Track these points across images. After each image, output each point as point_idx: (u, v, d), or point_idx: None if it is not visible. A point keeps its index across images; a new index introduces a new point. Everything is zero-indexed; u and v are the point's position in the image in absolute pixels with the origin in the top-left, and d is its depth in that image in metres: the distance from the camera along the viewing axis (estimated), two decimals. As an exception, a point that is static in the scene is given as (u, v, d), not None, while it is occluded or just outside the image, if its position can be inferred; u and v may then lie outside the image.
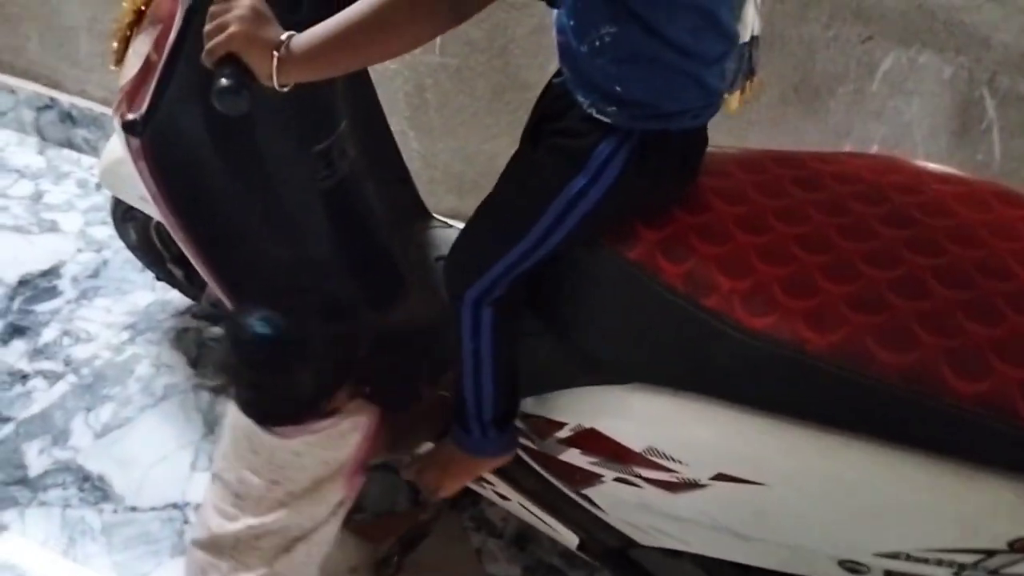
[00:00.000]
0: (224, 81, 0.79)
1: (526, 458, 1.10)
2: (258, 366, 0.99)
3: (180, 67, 0.95)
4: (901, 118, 1.57)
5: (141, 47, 1.04)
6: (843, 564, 0.85)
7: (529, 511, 1.16)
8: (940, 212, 0.85)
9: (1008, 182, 1.03)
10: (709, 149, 0.92)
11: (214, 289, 1.25)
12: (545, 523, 1.15)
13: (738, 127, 1.60)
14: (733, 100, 1.54)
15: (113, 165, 1.34)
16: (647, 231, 0.87)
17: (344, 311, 1.05)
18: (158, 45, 0.98)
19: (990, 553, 0.76)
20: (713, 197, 0.89)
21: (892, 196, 0.88)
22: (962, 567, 0.78)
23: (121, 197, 1.44)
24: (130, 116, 0.96)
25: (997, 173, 1.57)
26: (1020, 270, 0.79)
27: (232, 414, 1.04)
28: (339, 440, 1.01)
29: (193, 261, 1.21)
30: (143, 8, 1.06)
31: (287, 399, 0.99)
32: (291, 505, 0.99)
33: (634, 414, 0.90)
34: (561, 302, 0.96)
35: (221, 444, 1.06)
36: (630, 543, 1.06)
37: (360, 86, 1.31)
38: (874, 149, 1.60)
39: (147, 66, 1.01)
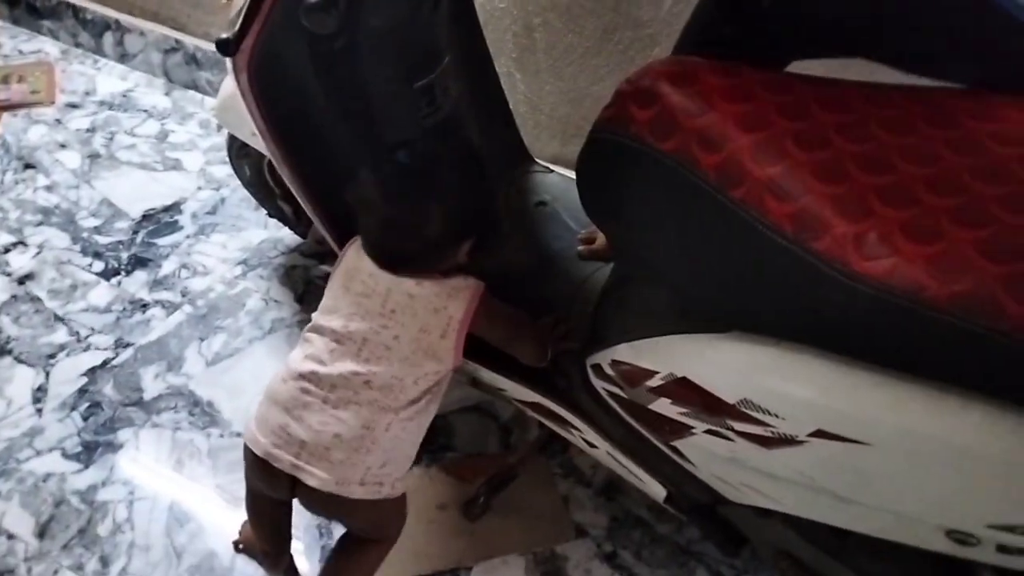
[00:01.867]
0: None
1: (615, 406, 1.07)
2: (395, 197, 1.03)
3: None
4: None
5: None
6: (951, 535, 0.78)
7: (617, 461, 1.13)
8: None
9: None
10: (829, 79, 0.84)
11: (317, 225, 1.27)
12: (633, 474, 1.12)
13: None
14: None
15: (227, 101, 1.38)
16: (755, 167, 0.81)
17: (473, 163, 1.11)
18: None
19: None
20: (832, 133, 0.81)
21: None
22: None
23: (235, 133, 1.48)
24: (223, 35, 0.97)
25: None
26: None
27: (349, 258, 1.09)
28: (451, 292, 1.05)
29: (298, 196, 1.23)
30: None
31: (415, 239, 1.03)
32: (394, 350, 1.02)
33: (730, 364, 0.85)
34: (658, 243, 0.92)
35: (328, 294, 1.10)
36: (719, 499, 1.02)
37: (465, 22, 1.29)
38: None
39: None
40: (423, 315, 1.03)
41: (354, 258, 1.08)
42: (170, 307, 1.66)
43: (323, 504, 1.04)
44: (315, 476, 0.99)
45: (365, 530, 1.11)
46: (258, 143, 1.28)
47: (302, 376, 1.03)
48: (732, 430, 0.88)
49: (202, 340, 1.60)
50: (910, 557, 0.95)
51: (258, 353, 1.58)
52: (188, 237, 1.82)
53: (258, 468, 1.04)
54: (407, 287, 1.04)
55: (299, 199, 1.23)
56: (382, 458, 1.02)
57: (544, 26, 1.70)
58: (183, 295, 1.69)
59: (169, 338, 1.60)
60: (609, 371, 1.04)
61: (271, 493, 1.06)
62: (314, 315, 1.10)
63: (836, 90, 0.86)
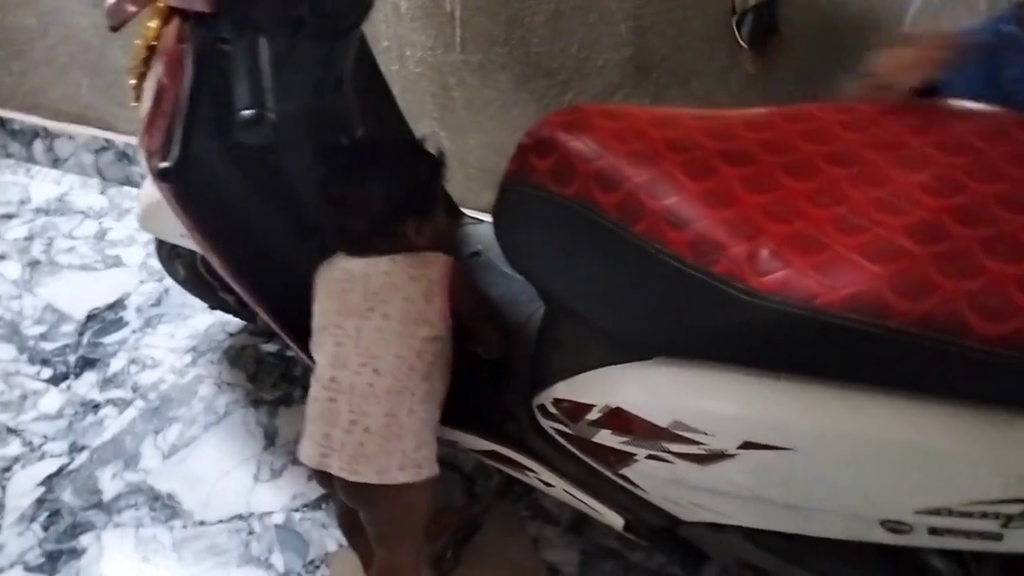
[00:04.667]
0: (245, 113, 0.82)
1: (564, 443, 1.09)
2: (340, 176, 1.12)
3: (201, 112, 0.99)
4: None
5: (153, 82, 1.08)
6: (885, 524, 0.82)
7: (574, 496, 1.15)
8: (958, 149, 0.81)
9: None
10: (712, 111, 0.90)
11: (258, 312, 1.29)
12: (590, 507, 1.14)
13: (767, 87, 1.56)
14: (756, 61, 1.50)
15: (150, 209, 1.40)
16: (651, 201, 0.85)
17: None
18: (166, 79, 1.03)
19: (1038, 503, 0.72)
20: (718, 160, 0.86)
21: (907, 139, 0.84)
22: (1009, 518, 0.74)
23: (163, 238, 1.50)
24: (163, 165, 1.00)
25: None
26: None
27: (322, 277, 1.14)
28: (425, 261, 1.12)
29: (236, 288, 1.25)
30: (154, 45, 1.10)
31: (367, 215, 1.10)
32: (386, 330, 1.08)
33: (656, 389, 0.88)
34: (575, 284, 0.95)
35: (315, 311, 1.15)
36: (674, 520, 1.04)
37: (374, 92, 1.34)
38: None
39: (158, 99, 1.05)
40: (403, 285, 1.09)
41: (326, 272, 1.14)
42: (122, 404, 1.65)
43: (371, 500, 1.11)
44: (358, 472, 1.05)
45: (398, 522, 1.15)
46: (189, 242, 1.30)
47: (325, 387, 1.09)
48: (670, 452, 0.91)
49: (157, 433, 1.59)
50: (862, 551, 0.98)
51: (214, 439, 1.58)
52: (135, 332, 1.82)
53: (321, 480, 1.13)
54: (382, 266, 1.10)
55: (237, 290, 1.25)
56: (415, 441, 1.08)
57: (460, 85, 1.76)
58: (134, 391, 1.68)
59: (124, 436, 1.59)
60: (553, 410, 1.07)
61: (344, 500, 1.13)
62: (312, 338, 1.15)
63: (720, 120, 0.92)
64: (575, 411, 1.02)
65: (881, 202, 0.78)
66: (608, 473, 1.06)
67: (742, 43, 1.48)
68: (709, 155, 0.87)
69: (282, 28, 1.00)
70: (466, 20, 1.66)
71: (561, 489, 1.17)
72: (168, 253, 1.56)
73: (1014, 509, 0.73)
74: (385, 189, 1.11)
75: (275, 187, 1.21)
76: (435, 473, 1.11)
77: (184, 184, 1.08)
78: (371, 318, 1.08)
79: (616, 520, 1.12)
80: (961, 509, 0.75)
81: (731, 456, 0.85)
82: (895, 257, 0.72)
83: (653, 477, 0.98)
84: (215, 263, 1.22)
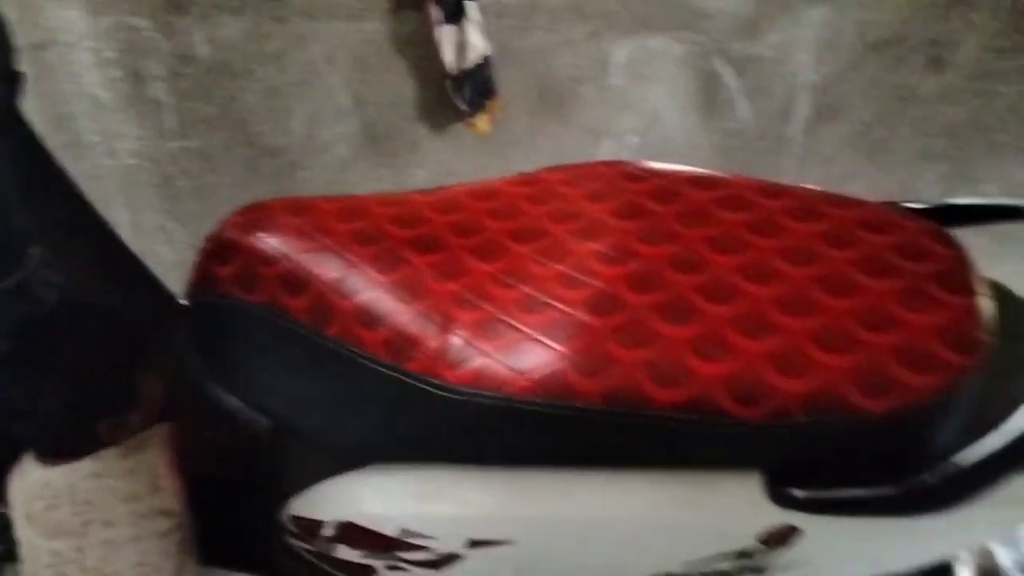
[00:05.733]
0: None
1: (313, 560, 1.01)
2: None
3: None
4: (648, 105, 1.58)
5: None
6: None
7: (334, 613, 1.07)
8: (632, 213, 0.82)
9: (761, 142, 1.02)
10: (400, 195, 0.87)
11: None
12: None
13: (498, 147, 1.57)
14: (481, 122, 1.51)
15: None
16: (341, 301, 0.80)
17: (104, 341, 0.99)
18: None
19: (747, 554, 0.73)
20: (407, 249, 0.83)
21: (584, 207, 0.85)
22: (726, 574, 0.75)
23: None
24: None
25: (750, 136, 1.61)
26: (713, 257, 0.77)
27: (16, 492, 0.92)
28: (138, 445, 0.93)
29: None
30: None
31: (45, 423, 0.92)
32: (115, 542, 0.90)
33: (376, 499, 0.82)
34: (278, 394, 0.88)
35: (22, 549, 0.93)
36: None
37: (54, 205, 1.19)
38: (633, 140, 1.60)
39: None
40: (121, 485, 0.92)
41: (19, 483, 0.93)
42: None
43: None
44: None
45: None
46: None
47: None
48: (405, 561, 0.85)
49: None
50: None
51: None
52: None
53: None
54: (87, 468, 0.91)
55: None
56: None
57: (183, 173, 1.64)
58: None
59: None
60: (292, 528, 0.98)
61: None
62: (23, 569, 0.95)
63: (408, 205, 0.89)
64: (311, 528, 0.94)
65: (563, 276, 0.77)
66: (358, 584, 0.98)
67: (463, 106, 1.49)
68: (398, 245, 0.83)
69: None
70: (177, 105, 1.55)
71: (320, 608, 1.08)
72: None
73: (728, 564, 0.74)
74: (63, 388, 0.92)
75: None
76: None
77: None
78: (90, 533, 0.90)
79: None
80: (681, 571, 0.75)
81: (462, 557, 0.80)
82: (576, 334, 0.71)
83: (401, 585, 0.91)
84: None
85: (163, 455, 0.95)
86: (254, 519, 1.09)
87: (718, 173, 0.87)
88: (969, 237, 0.81)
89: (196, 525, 1.03)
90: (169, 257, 1.66)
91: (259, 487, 1.11)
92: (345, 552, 0.91)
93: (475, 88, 1.45)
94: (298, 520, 0.96)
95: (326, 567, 0.99)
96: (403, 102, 1.52)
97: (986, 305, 0.71)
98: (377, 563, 0.89)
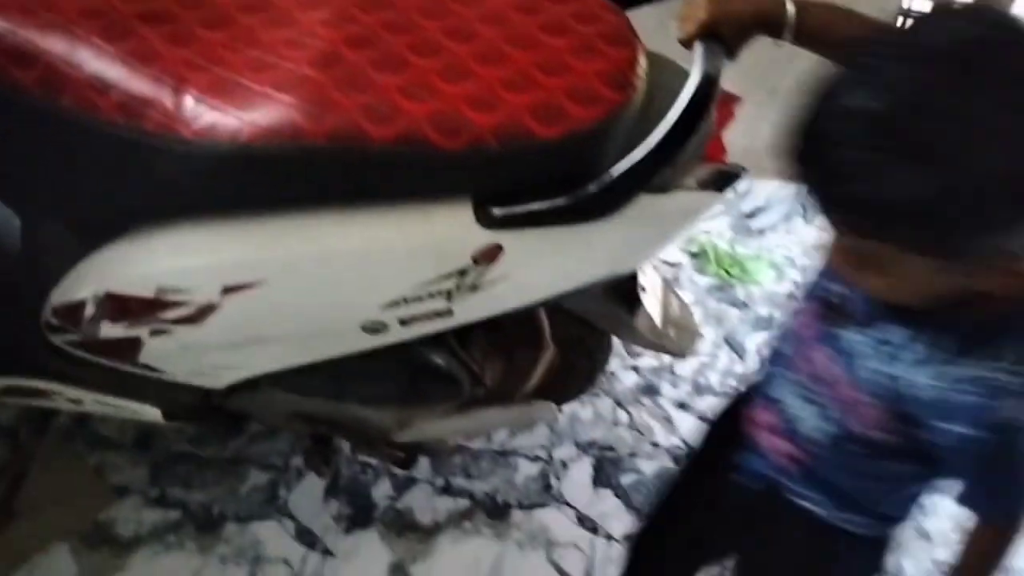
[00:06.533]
0: None
1: (78, 352, 1.05)
2: None
3: None
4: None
5: None
6: (367, 329, 0.93)
7: (105, 404, 1.12)
8: None
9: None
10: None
11: None
12: (125, 409, 1.12)
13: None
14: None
15: None
16: (71, 70, 0.82)
17: None
18: None
19: (463, 272, 0.88)
20: (136, 22, 0.86)
21: None
22: (449, 292, 0.89)
23: None
24: None
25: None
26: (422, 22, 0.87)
27: None
28: None
29: None
30: None
31: None
32: None
33: (132, 262, 0.88)
34: (24, 172, 0.90)
35: None
36: (206, 393, 1.07)
37: None
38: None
39: None
40: None
41: None
42: None
43: None
44: None
45: None
46: None
47: None
48: (167, 322, 0.92)
49: None
50: (387, 370, 1.11)
51: None
52: None
53: None
54: None
55: None
56: None
57: None
58: None
59: None
60: (55, 321, 1.01)
61: None
62: None
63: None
64: (73, 313, 0.98)
65: (289, 40, 0.84)
66: (127, 368, 1.04)
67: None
68: (126, 18, 0.86)
69: None
70: None
71: (91, 401, 1.13)
72: None
73: (450, 284, 0.88)
74: None
75: None
76: None
77: None
78: None
79: (154, 413, 1.12)
80: (412, 294, 0.89)
81: (218, 307, 0.89)
82: (300, 85, 0.80)
83: (164, 353, 0.99)
84: None
85: None
86: (16, 324, 1.11)
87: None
88: (644, 13, 0.99)
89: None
90: None
91: (18, 289, 1.11)
92: (110, 329, 0.97)
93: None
94: (60, 310, 1.00)
95: (92, 354, 1.04)
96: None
97: (639, 58, 0.89)
98: (141, 332, 0.95)
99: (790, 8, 0.77)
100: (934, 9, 0.53)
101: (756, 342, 1.76)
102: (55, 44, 0.83)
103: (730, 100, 0.97)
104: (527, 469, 1.45)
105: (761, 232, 2.08)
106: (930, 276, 0.58)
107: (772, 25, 0.78)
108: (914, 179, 0.50)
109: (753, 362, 1.70)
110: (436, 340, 1.04)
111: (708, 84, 0.80)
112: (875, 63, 0.53)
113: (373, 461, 1.41)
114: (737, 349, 1.75)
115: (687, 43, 0.80)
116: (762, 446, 0.87)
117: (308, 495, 1.36)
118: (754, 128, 1.08)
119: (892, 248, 0.56)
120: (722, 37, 0.79)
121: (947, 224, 0.52)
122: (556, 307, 1.05)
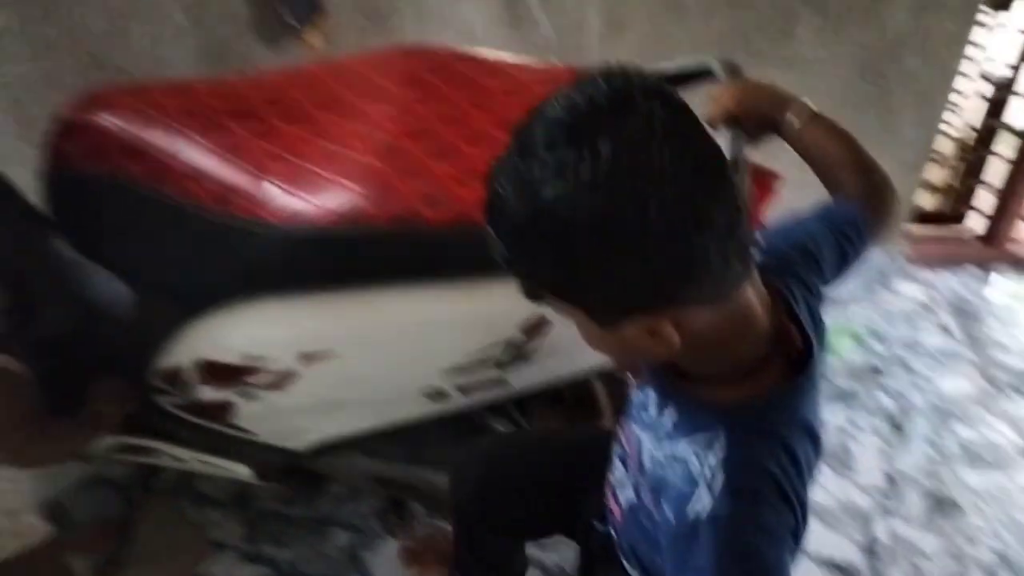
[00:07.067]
0: None
1: (180, 413, 1.16)
2: None
3: None
4: (462, 23, 1.78)
5: None
6: (428, 395, 1.00)
7: (205, 463, 1.22)
8: (412, 83, 1.00)
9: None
10: (220, 78, 1.02)
11: None
12: (221, 467, 1.22)
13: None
14: (312, 37, 1.65)
15: None
16: (173, 162, 0.94)
17: None
18: None
19: (512, 342, 0.94)
20: (226, 118, 0.98)
21: (372, 77, 1.02)
22: (500, 362, 0.95)
23: None
24: None
25: (553, 48, 1.84)
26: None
27: None
28: None
29: None
30: None
31: None
32: None
33: (220, 332, 0.98)
34: (134, 252, 1.02)
35: None
36: (292, 454, 1.16)
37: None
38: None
39: None
40: None
41: None
42: None
43: None
44: None
45: None
46: None
47: None
48: (252, 386, 1.02)
49: None
50: (454, 435, 1.17)
51: None
52: None
53: None
54: None
55: None
56: None
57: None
58: None
59: None
60: (160, 384, 1.13)
61: None
62: None
63: (226, 85, 1.04)
64: (174, 377, 1.09)
65: (356, 133, 0.95)
66: (222, 428, 1.14)
67: (291, 21, 1.64)
68: (218, 114, 0.98)
69: None
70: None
71: (193, 460, 1.24)
72: None
73: (498, 352, 0.94)
74: None
75: None
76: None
77: None
78: None
79: (245, 472, 1.21)
80: (466, 362, 0.95)
81: (297, 373, 0.98)
82: (366, 174, 0.90)
83: (254, 416, 1.08)
84: None
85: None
86: (128, 383, 1.23)
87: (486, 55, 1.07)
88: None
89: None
90: (27, 179, 1.72)
91: (129, 354, 1.25)
92: (207, 392, 1.07)
93: (299, 3, 1.61)
94: (163, 373, 1.11)
95: (191, 415, 1.15)
96: (239, 21, 1.63)
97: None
98: (233, 395, 1.05)
99: (793, 120, 0.81)
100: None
101: (833, 415, 1.73)
102: (159, 139, 0.96)
103: (769, 177, 1.00)
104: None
105: (843, 303, 2.04)
106: (600, 336, 0.59)
107: (779, 131, 0.83)
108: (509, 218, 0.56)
109: (830, 437, 1.67)
110: (498, 409, 1.10)
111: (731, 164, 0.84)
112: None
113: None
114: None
115: (712, 124, 0.85)
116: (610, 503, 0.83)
117: (385, 556, 1.42)
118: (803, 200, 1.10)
119: (557, 304, 0.59)
120: (744, 126, 0.83)
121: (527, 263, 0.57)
122: (612, 376, 1.09)
